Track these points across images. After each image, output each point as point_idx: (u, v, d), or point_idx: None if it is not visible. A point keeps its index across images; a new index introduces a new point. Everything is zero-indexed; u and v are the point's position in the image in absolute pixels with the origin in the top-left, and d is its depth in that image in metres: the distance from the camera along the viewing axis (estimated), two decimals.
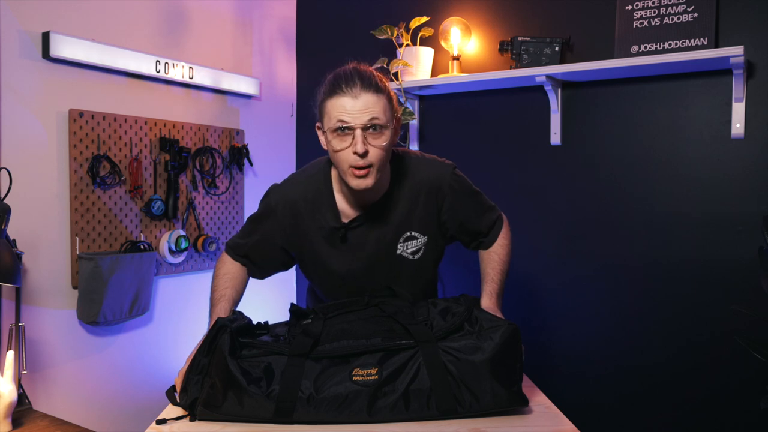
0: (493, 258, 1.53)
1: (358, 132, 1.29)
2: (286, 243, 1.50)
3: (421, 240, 1.48)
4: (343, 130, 1.30)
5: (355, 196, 1.41)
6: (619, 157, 2.22)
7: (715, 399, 2.05)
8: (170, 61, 2.31)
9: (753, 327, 1.97)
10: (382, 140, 1.31)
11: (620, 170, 2.22)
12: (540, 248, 2.38)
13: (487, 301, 1.46)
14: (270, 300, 2.81)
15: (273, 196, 1.48)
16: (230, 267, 1.54)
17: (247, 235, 1.53)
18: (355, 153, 1.29)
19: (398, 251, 1.47)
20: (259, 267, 1.56)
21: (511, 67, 2.31)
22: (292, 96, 2.99)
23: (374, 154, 1.31)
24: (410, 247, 1.47)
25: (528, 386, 1.43)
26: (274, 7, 2.87)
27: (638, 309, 2.19)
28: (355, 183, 1.33)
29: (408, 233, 1.46)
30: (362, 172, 1.31)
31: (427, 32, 2.47)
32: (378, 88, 1.31)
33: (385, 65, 2.42)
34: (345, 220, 1.44)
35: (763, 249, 1.78)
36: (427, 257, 1.50)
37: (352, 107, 1.28)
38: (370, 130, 1.30)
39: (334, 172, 1.44)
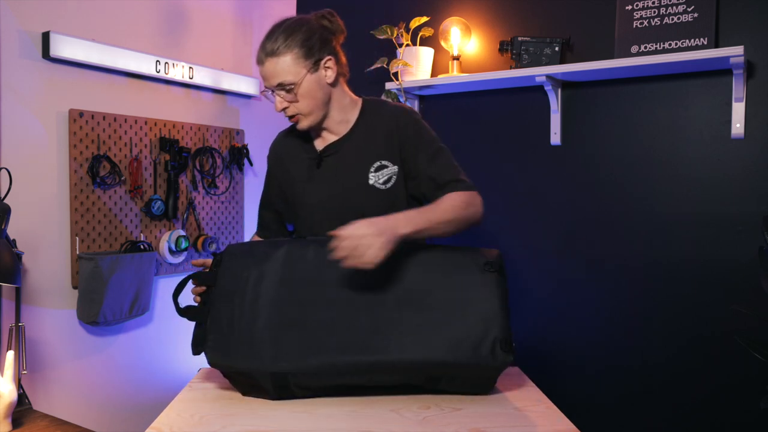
0: (442, 200, 1.42)
1: (274, 93, 1.48)
2: (280, 189, 1.65)
3: (392, 168, 1.54)
4: (268, 90, 1.50)
5: (320, 132, 1.57)
6: (619, 157, 2.22)
7: (715, 399, 2.05)
8: (170, 61, 2.31)
9: (753, 327, 1.97)
10: (293, 96, 1.46)
11: (620, 170, 2.22)
12: (540, 248, 2.37)
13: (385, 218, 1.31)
14: None
15: (268, 154, 1.70)
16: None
17: (261, 205, 1.72)
18: None
19: (370, 181, 1.53)
20: (278, 230, 1.72)
21: (511, 67, 2.31)
22: None
23: (294, 107, 1.48)
24: (382, 176, 1.53)
25: (528, 386, 1.43)
26: (274, 7, 2.87)
27: (638, 309, 2.19)
28: (297, 127, 1.54)
29: (379, 162, 1.54)
30: (293, 119, 1.52)
31: (427, 32, 2.47)
32: (281, 49, 1.44)
33: (385, 65, 2.42)
34: (319, 150, 1.58)
35: (763, 249, 1.78)
36: (398, 188, 1.53)
37: (263, 73, 1.48)
38: (281, 90, 1.46)
39: None
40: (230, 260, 1.36)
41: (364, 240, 1.21)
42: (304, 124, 1.51)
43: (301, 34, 1.45)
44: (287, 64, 1.44)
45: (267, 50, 1.45)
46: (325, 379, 1.29)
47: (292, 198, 1.62)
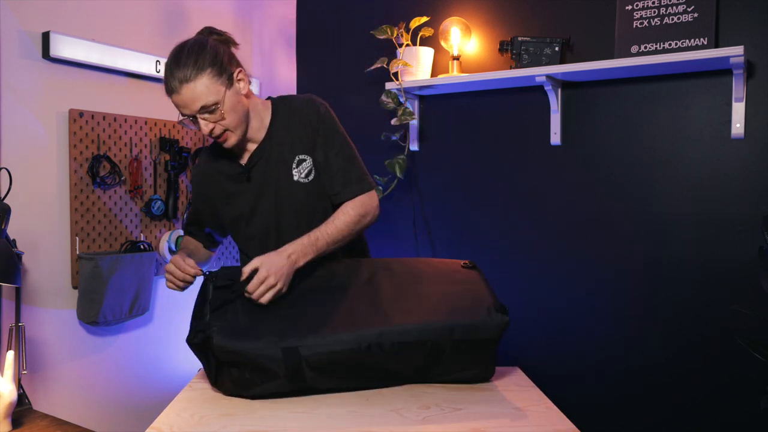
0: (336, 216, 1.54)
1: (198, 118, 1.46)
2: (212, 209, 1.68)
3: (309, 161, 1.58)
4: (187, 117, 1.47)
5: (242, 143, 1.58)
6: (619, 157, 2.22)
7: (715, 399, 2.05)
8: None
9: (753, 327, 1.97)
10: (219, 115, 1.45)
11: (620, 170, 2.22)
12: (540, 248, 2.37)
13: (282, 250, 1.45)
14: None
15: (191, 174, 1.73)
16: (188, 238, 1.80)
17: (188, 217, 1.79)
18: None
19: (294, 177, 1.57)
20: (204, 238, 1.78)
21: (511, 67, 2.31)
22: None
23: (221, 125, 1.47)
24: (303, 170, 1.58)
25: (528, 386, 1.43)
26: (274, 7, 2.87)
27: (638, 309, 2.19)
28: (225, 146, 1.53)
29: (298, 157, 1.57)
30: (221, 138, 1.50)
31: (427, 32, 2.47)
32: (194, 73, 1.42)
33: (385, 65, 2.42)
34: (243, 163, 1.61)
35: (763, 249, 1.78)
36: (317, 181, 1.59)
37: (181, 101, 1.44)
38: (205, 113, 1.45)
39: None
40: (226, 270, 1.46)
41: (269, 279, 1.37)
42: (232, 140, 1.51)
43: (208, 54, 1.44)
44: (206, 86, 1.42)
45: (180, 78, 1.41)
46: (335, 354, 1.29)
47: (230, 213, 1.65)
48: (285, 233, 1.58)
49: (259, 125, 1.58)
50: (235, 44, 1.58)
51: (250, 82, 1.56)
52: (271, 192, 1.59)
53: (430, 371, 1.38)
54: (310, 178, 1.58)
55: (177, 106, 1.46)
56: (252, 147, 1.60)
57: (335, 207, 1.59)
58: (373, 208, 1.57)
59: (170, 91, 1.44)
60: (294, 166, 1.57)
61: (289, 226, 1.58)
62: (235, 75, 1.49)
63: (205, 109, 1.44)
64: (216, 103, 1.44)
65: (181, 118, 1.49)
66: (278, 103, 1.62)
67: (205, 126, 1.46)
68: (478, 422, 1.19)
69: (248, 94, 1.55)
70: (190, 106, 1.43)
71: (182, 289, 1.47)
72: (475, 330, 1.34)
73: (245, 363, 1.28)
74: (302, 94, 1.65)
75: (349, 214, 1.53)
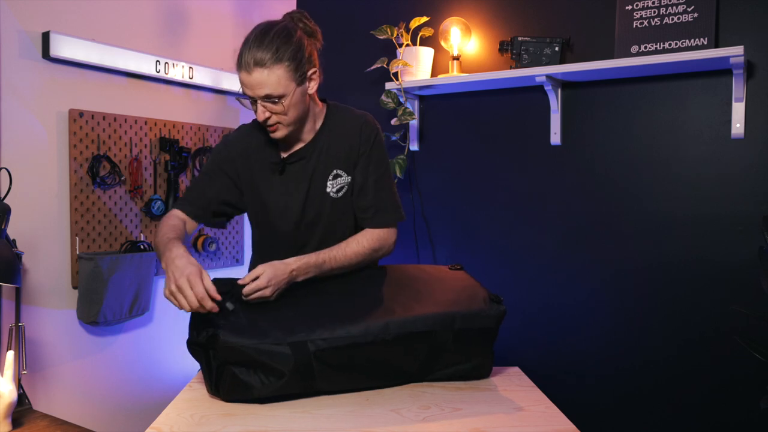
0: (349, 244, 1.53)
1: (258, 102, 1.44)
2: (237, 177, 1.60)
3: (346, 179, 1.57)
4: (247, 97, 1.45)
5: (288, 138, 1.54)
6: (619, 157, 2.23)
7: (715, 399, 2.05)
8: (170, 61, 2.31)
9: (753, 327, 1.97)
10: (280, 107, 1.43)
11: (620, 170, 2.22)
12: (539, 249, 2.37)
13: (287, 263, 1.42)
14: None
15: (225, 140, 1.63)
16: (175, 220, 1.55)
17: (195, 185, 1.62)
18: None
19: (327, 189, 1.56)
20: (203, 210, 1.59)
21: (511, 67, 2.31)
22: None
23: (276, 117, 1.46)
24: (336, 185, 1.57)
25: (528, 386, 1.43)
26: (274, 7, 2.87)
27: (638, 309, 2.19)
28: (272, 136, 1.51)
29: (336, 171, 1.56)
30: (272, 128, 1.48)
31: (427, 32, 2.47)
32: (273, 60, 1.39)
33: (385, 65, 2.42)
34: (284, 155, 1.58)
35: (763, 249, 1.78)
36: (348, 197, 1.58)
37: (248, 81, 1.42)
38: (268, 101, 1.43)
39: None
40: (218, 281, 1.42)
41: (266, 290, 1.37)
42: (281, 133, 1.49)
43: (292, 47, 1.42)
44: (278, 77, 1.40)
45: (257, 59, 1.38)
46: (344, 349, 1.29)
47: (249, 196, 1.61)
48: (300, 236, 1.58)
49: (311, 127, 1.56)
50: (318, 31, 1.55)
51: (319, 83, 1.52)
52: (300, 194, 1.56)
53: (434, 364, 1.39)
54: (341, 194, 1.57)
55: (242, 83, 1.43)
56: (295, 144, 1.57)
57: (357, 228, 1.59)
58: (389, 244, 1.59)
59: (241, 67, 1.41)
60: (330, 178, 1.56)
61: (307, 231, 1.58)
62: (308, 74, 1.47)
63: (270, 98, 1.42)
64: (282, 96, 1.42)
65: (240, 95, 1.48)
66: (333, 111, 1.60)
67: (262, 113, 1.44)
68: (478, 422, 1.19)
69: (312, 94, 1.52)
70: (256, 90, 1.41)
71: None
72: (475, 319, 1.37)
73: (251, 361, 1.26)
74: (358, 109, 1.63)
75: (362, 245, 1.53)
